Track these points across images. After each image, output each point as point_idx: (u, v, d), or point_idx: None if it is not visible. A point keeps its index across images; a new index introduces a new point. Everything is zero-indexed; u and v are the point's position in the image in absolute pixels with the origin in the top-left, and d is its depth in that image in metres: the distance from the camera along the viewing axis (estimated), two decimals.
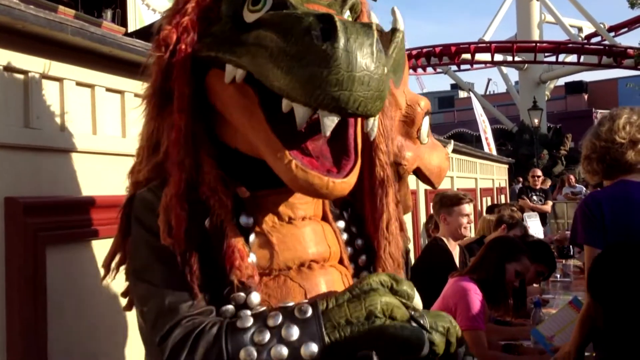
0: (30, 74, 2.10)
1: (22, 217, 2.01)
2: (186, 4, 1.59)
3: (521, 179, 17.88)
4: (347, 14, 1.62)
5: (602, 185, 3.18)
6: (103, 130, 2.43)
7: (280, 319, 1.42)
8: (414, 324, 1.46)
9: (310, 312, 1.43)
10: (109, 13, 9.83)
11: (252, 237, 1.56)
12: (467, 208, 4.82)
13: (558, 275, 6.80)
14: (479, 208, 10.93)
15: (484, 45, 29.85)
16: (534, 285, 5.64)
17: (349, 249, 1.76)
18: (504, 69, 33.87)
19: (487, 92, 48.29)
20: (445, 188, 7.44)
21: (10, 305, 1.99)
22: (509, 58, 30.00)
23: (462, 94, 43.08)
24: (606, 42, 30.46)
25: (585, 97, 42.64)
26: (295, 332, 1.40)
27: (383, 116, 1.75)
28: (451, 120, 42.35)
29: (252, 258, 1.52)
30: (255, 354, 1.37)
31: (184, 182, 1.51)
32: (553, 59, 30.36)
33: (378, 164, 1.75)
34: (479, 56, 30.23)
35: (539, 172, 12.41)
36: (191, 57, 1.56)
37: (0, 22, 1.93)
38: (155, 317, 1.47)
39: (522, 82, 32.83)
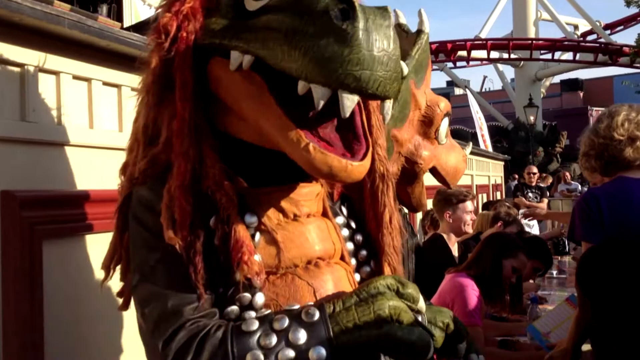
0: (26, 67, 2.09)
1: (18, 211, 1.99)
2: None
3: (517, 176, 17.90)
4: None
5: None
6: (100, 124, 2.42)
7: (286, 322, 1.40)
8: (419, 328, 1.46)
9: (317, 315, 1.41)
10: (104, 8, 9.77)
11: (257, 235, 1.52)
12: (470, 205, 4.87)
13: (554, 272, 6.82)
14: (475, 205, 10.93)
15: (480, 42, 29.90)
16: (530, 281, 5.64)
17: (349, 244, 1.74)
18: (500, 66, 33.94)
19: (483, 90, 48.32)
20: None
21: (6, 300, 1.98)
22: (505, 55, 30.08)
23: (458, 91, 43.11)
24: (602, 40, 30.55)
25: (581, 94, 42.76)
26: (302, 336, 1.38)
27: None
28: None
29: (257, 257, 1.47)
30: (262, 357, 1.35)
31: (189, 172, 1.47)
32: (549, 56, 30.48)
33: (377, 158, 1.73)
34: (475, 53, 30.27)
35: (534, 169, 12.42)
36: (193, 45, 1.52)
37: None
38: (158, 320, 1.43)
39: (517, 80, 32.90)
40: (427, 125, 2.59)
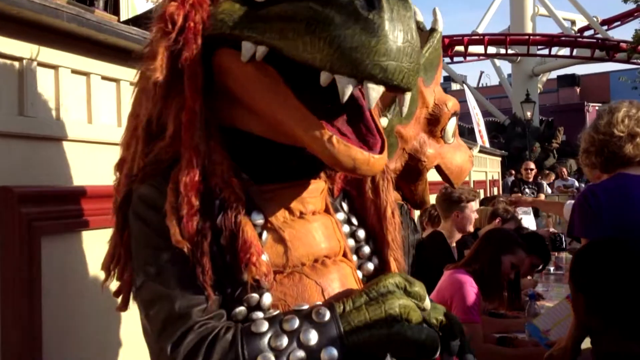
0: (24, 61, 2.07)
1: (16, 207, 1.98)
2: None
3: (513, 172, 17.91)
4: None
5: None
6: (98, 118, 2.41)
7: (296, 323, 1.37)
8: (427, 327, 1.45)
9: (328, 315, 1.39)
10: (101, 1, 9.71)
11: (264, 234, 1.49)
12: (475, 204, 5.00)
13: (551, 268, 6.82)
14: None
15: (478, 37, 29.83)
16: (528, 277, 5.65)
17: (350, 241, 1.71)
18: (497, 62, 33.88)
19: (480, 85, 48.33)
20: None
21: (5, 297, 1.97)
22: (502, 51, 30.00)
23: (455, 86, 43.07)
24: (599, 36, 30.52)
25: (578, 90, 42.79)
26: (314, 337, 1.36)
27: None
28: None
29: (265, 257, 1.44)
30: (273, 359, 1.33)
31: (200, 167, 1.42)
32: (546, 51, 30.41)
33: None
34: (472, 48, 30.21)
35: (532, 165, 12.44)
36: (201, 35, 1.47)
37: None
38: (164, 322, 1.39)
39: (514, 75, 32.85)
40: (433, 124, 2.59)
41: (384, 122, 2.32)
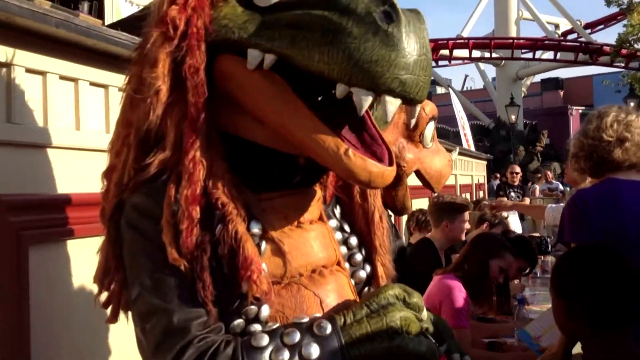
0: (12, 67, 2.03)
1: (4, 216, 1.95)
2: None
3: (498, 175, 17.99)
4: None
5: None
6: (87, 125, 2.37)
7: (297, 336, 1.35)
8: (426, 338, 1.45)
9: (329, 328, 1.37)
10: (85, 5, 9.65)
11: (263, 244, 1.46)
12: (467, 214, 4.89)
13: (538, 272, 6.84)
14: None
15: (462, 41, 29.99)
16: (515, 281, 5.65)
17: (342, 248, 1.69)
18: (482, 65, 34.11)
19: (464, 89, 48.53)
20: None
21: None
22: (487, 54, 30.19)
23: (440, 90, 43.26)
24: (582, 39, 30.78)
25: (561, 93, 43.07)
26: (315, 350, 1.34)
27: None
28: None
29: (264, 268, 1.42)
30: None
31: (202, 182, 1.38)
32: (530, 55, 30.64)
33: None
34: (457, 52, 30.36)
35: (517, 169, 12.50)
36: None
37: None
38: (162, 336, 1.35)
39: (499, 79, 33.07)
40: (412, 129, 2.58)
41: None
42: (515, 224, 9.35)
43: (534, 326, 3.57)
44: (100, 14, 9.61)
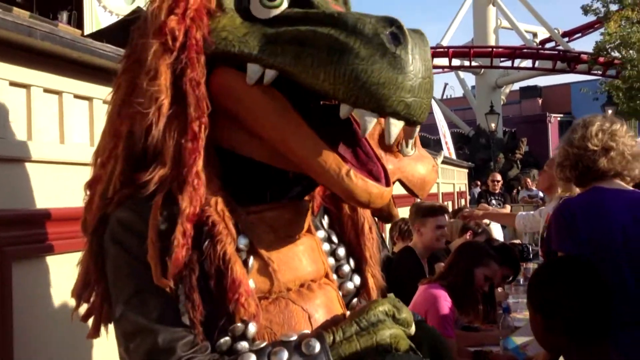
0: None
1: None
2: None
3: (479, 183, 18.07)
4: None
5: None
6: (71, 138, 2.34)
7: (285, 355, 1.33)
8: (414, 355, 1.44)
9: (318, 347, 1.35)
10: (64, 15, 9.59)
11: (250, 259, 1.44)
12: (442, 220, 4.74)
13: (520, 279, 6.85)
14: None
15: (442, 50, 30.13)
16: (499, 289, 5.66)
17: (330, 259, 1.67)
18: (461, 74, 34.27)
19: (444, 97, 48.77)
20: None
21: None
22: (466, 63, 30.36)
23: None
24: (560, 48, 31.05)
25: (540, 101, 43.39)
26: None
27: None
28: None
29: (251, 284, 1.40)
30: None
31: (202, 200, 1.35)
32: (509, 63, 30.86)
33: None
34: (437, 61, 30.45)
35: (498, 177, 12.53)
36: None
37: None
38: (147, 357, 1.33)
39: (478, 87, 33.24)
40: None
41: None
42: (497, 231, 9.38)
43: (520, 335, 3.57)
44: (79, 24, 9.53)
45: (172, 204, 1.36)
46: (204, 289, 1.35)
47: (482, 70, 31.51)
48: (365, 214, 1.74)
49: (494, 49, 29.77)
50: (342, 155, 1.36)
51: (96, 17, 10.30)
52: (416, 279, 4.18)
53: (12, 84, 2.07)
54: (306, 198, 1.64)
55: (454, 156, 18.10)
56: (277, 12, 1.39)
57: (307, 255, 1.56)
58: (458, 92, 42.00)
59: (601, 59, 23.75)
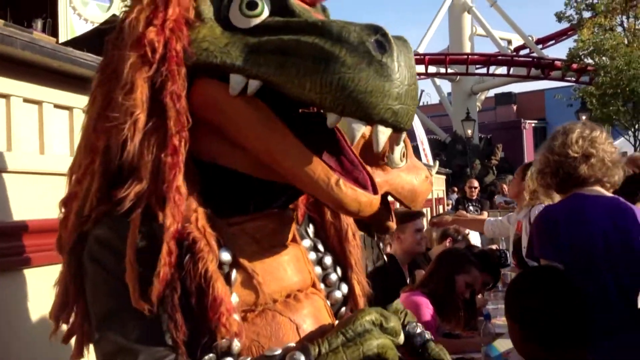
0: None
1: None
2: (165, 1, 1.37)
3: (456, 189, 18.16)
4: None
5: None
6: (51, 149, 2.31)
7: None
8: None
9: None
10: (39, 23, 9.50)
11: (233, 273, 1.41)
12: (420, 223, 4.72)
13: (499, 285, 6.89)
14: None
15: (418, 57, 30.24)
16: (479, 296, 5.68)
17: (317, 268, 1.65)
18: (437, 81, 34.51)
19: (421, 104, 49.05)
20: None
21: None
22: (442, 70, 30.59)
23: None
24: (534, 54, 31.41)
25: (514, 107, 43.79)
26: None
27: None
28: None
29: (234, 298, 1.37)
30: None
31: (183, 218, 1.31)
32: (484, 70, 31.15)
33: None
34: None
35: (475, 183, 12.63)
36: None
37: None
38: None
39: (454, 94, 33.50)
40: (373, 151, 2.45)
41: None
42: (475, 238, 9.43)
43: (503, 342, 3.58)
44: (54, 32, 9.46)
45: (150, 220, 1.32)
46: (186, 306, 1.31)
47: (458, 77, 31.76)
48: (348, 221, 1.72)
49: (470, 56, 30.04)
50: (328, 164, 1.34)
51: (71, 25, 10.22)
52: (397, 285, 4.18)
53: None
54: (290, 206, 1.62)
55: (431, 163, 18.17)
56: (257, 21, 1.37)
57: (293, 265, 1.54)
58: (434, 99, 42.29)
59: (575, 66, 24.08)
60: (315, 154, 1.32)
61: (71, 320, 1.52)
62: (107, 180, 1.42)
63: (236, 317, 1.34)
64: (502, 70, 31.13)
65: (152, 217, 1.32)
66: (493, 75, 31.68)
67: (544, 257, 2.92)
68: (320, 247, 1.70)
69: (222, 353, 1.34)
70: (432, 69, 30.60)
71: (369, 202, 1.33)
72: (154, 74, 1.33)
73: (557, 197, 3.29)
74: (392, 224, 2.65)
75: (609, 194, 2.96)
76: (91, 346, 1.50)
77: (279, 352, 1.34)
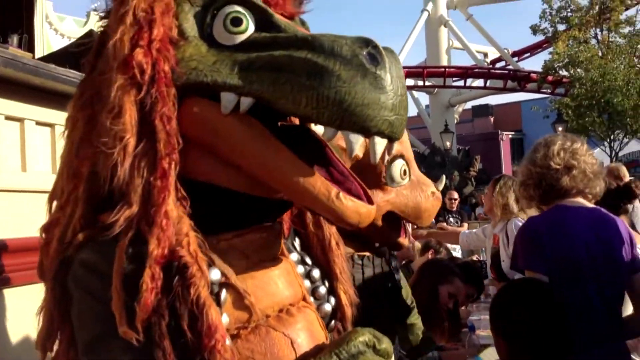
0: None
1: None
2: (149, 20, 1.33)
3: None
4: None
5: None
6: (33, 166, 2.29)
7: None
8: None
9: None
10: (15, 38, 9.41)
11: (223, 293, 1.38)
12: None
13: (481, 297, 6.91)
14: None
15: None
16: (462, 307, 5.69)
17: (306, 282, 1.63)
18: (415, 93, 34.68)
19: None
20: None
21: None
22: (420, 83, 30.75)
23: None
24: (510, 67, 31.72)
25: (491, 119, 44.13)
26: None
27: None
28: None
29: (224, 319, 1.34)
30: None
31: (171, 241, 1.28)
32: (461, 83, 31.38)
33: None
34: None
35: (455, 195, 12.67)
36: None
37: None
38: None
39: (432, 106, 33.69)
40: (370, 173, 2.31)
41: None
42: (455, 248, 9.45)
43: (489, 354, 3.58)
44: (30, 47, 9.38)
45: (141, 244, 1.29)
46: (176, 330, 1.28)
47: (436, 89, 31.97)
48: (331, 230, 1.71)
49: (447, 69, 30.27)
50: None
51: (47, 41, 10.16)
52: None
53: None
54: (281, 221, 1.60)
55: None
56: (243, 37, 1.36)
57: (283, 278, 1.53)
58: (412, 112, 42.50)
59: (550, 78, 24.39)
60: (311, 168, 1.32)
61: (55, 347, 1.48)
62: (92, 206, 1.40)
63: (227, 341, 1.32)
64: (479, 82, 31.40)
65: (143, 240, 1.29)
66: (470, 87, 31.93)
67: (528, 269, 2.93)
68: (308, 260, 1.69)
69: None
70: (410, 82, 30.71)
71: (368, 212, 1.33)
72: (144, 96, 1.31)
73: (530, 212, 3.32)
74: (404, 241, 2.59)
75: (591, 205, 3.00)
76: None
77: None
